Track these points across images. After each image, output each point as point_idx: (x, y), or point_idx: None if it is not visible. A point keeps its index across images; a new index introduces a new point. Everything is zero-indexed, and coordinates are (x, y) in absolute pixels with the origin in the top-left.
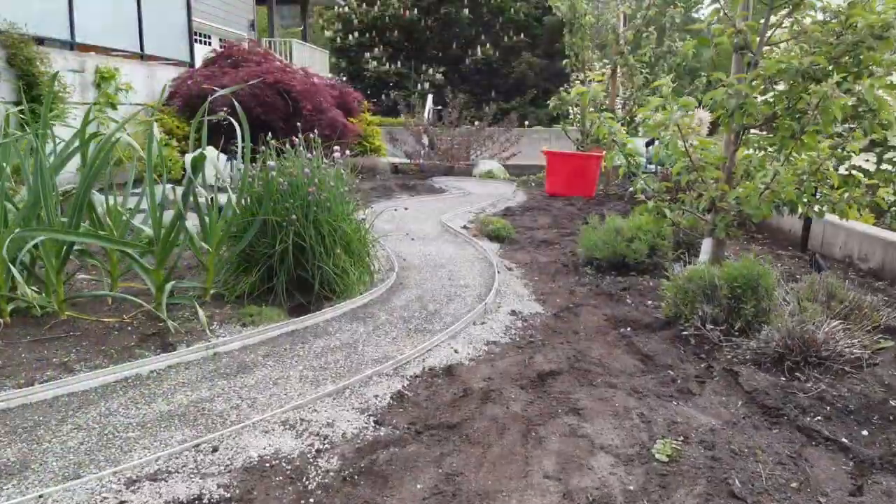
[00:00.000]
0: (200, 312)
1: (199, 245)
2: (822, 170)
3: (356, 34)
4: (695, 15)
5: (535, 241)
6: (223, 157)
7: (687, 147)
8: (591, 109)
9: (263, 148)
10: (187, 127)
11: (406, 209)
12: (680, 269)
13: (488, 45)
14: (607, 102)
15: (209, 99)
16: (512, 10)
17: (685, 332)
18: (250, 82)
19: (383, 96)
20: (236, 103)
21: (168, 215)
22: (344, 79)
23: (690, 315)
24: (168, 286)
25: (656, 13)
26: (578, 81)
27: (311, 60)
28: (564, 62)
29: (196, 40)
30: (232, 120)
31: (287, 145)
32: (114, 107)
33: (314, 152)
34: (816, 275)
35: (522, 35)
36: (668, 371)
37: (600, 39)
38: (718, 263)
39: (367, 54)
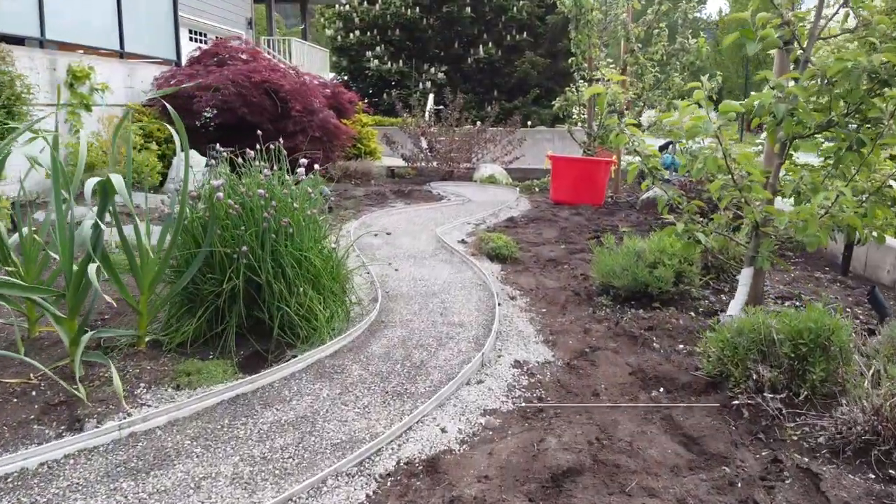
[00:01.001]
0: (115, 377)
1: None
2: (885, 188)
3: (357, 33)
4: (696, 15)
5: (540, 261)
6: (203, 162)
7: (728, 162)
8: (609, 112)
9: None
10: (168, 129)
11: (399, 219)
12: (711, 299)
13: (490, 44)
14: (620, 104)
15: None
16: (514, 8)
17: (736, 402)
18: (235, 81)
19: (385, 95)
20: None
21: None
22: (345, 78)
23: (741, 378)
24: (85, 337)
25: (668, 8)
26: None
27: (310, 59)
28: (570, 60)
29: (191, 38)
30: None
31: (240, 157)
32: (88, 108)
33: (276, 165)
34: (880, 314)
35: (525, 34)
36: (722, 466)
37: (608, 36)
38: (758, 301)
39: (369, 53)
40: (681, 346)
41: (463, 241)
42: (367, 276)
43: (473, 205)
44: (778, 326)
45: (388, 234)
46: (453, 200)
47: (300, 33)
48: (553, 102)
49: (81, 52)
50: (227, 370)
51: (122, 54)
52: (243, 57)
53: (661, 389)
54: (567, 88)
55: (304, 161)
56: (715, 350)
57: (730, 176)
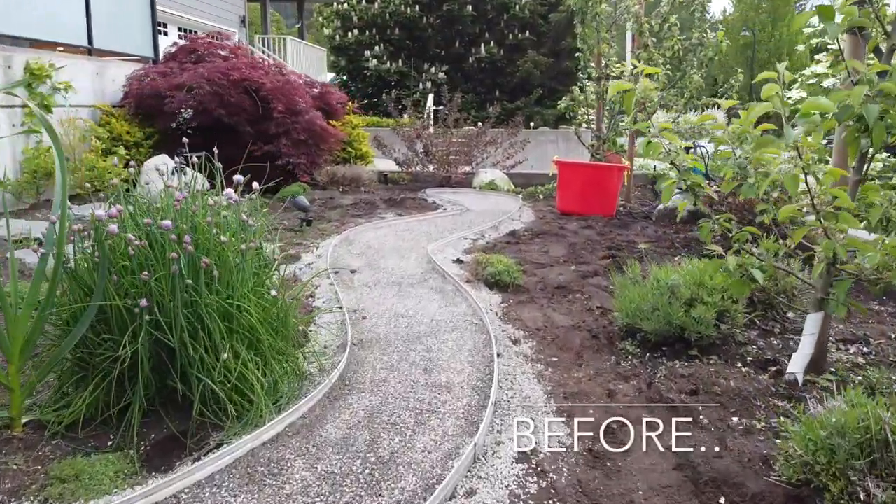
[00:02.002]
0: None
1: None
2: None
3: (355, 32)
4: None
5: (548, 288)
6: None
7: (809, 182)
8: (637, 112)
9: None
10: (140, 132)
11: (387, 234)
12: (760, 343)
13: (492, 44)
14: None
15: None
16: (517, 6)
17: None
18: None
19: (384, 96)
20: None
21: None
22: (344, 78)
23: (842, 495)
24: None
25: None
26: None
27: (307, 59)
28: (577, 56)
29: (181, 37)
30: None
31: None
32: (48, 109)
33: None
34: None
35: (528, 32)
36: None
37: (616, 31)
38: (822, 351)
39: (367, 52)
40: (735, 421)
41: (458, 262)
42: (338, 313)
43: (472, 215)
44: (893, 424)
45: (388, 233)
46: (450, 210)
47: (297, 32)
48: (558, 103)
49: (43, 48)
50: (122, 469)
51: (90, 51)
52: (222, 53)
53: (723, 501)
54: (574, 87)
55: (238, 178)
56: (800, 450)
57: (809, 201)
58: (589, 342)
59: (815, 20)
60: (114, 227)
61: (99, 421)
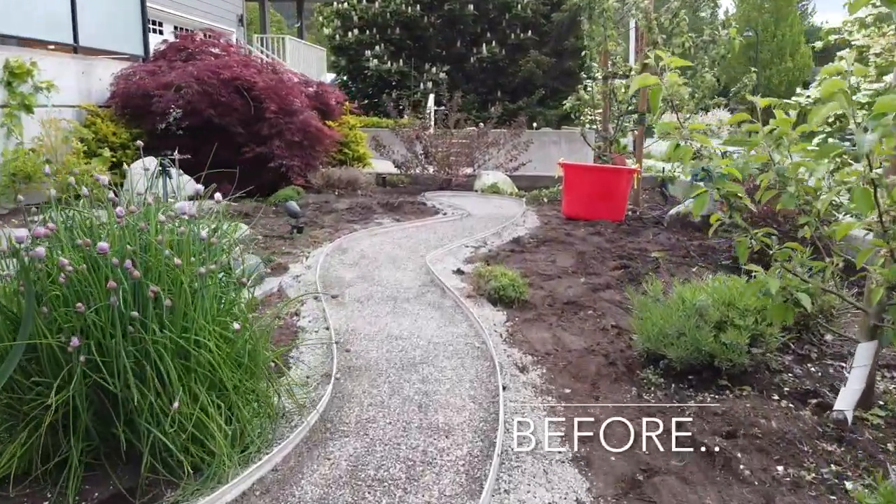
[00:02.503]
0: None
1: None
2: None
3: (356, 31)
4: (702, 15)
5: (557, 303)
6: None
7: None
8: (667, 112)
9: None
10: (126, 133)
11: (383, 242)
12: (797, 370)
13: (494, 43)
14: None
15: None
16: (518, 6)
17: None
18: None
19: (384, 96)
20: None
21: None
22: (344, 78)
23: None
24: None
25: None
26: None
27: (307, 59)
28: (584, 54)
29: (175, 35)
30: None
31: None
32: (29, 109)
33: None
34: None
35: (530, 32)
36: None
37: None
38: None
39: (368, 52)
40: (781, 471)
41: (459, 272)
42: (324, 333)
43: (473, 220)
44: None
45: (384, 240)
46: (450, 215)
47: (297, 32)
48: (563, 103)
49: (33, 47)
50: None
51: (76, 48)
52: (214, 51)
53: None
54: (579, 87)
55: (197, 187)
56: None
57: (877, 218)
58: (606, 369)
59: (824, 17)
60: (41, 249)
61: (34, 477)
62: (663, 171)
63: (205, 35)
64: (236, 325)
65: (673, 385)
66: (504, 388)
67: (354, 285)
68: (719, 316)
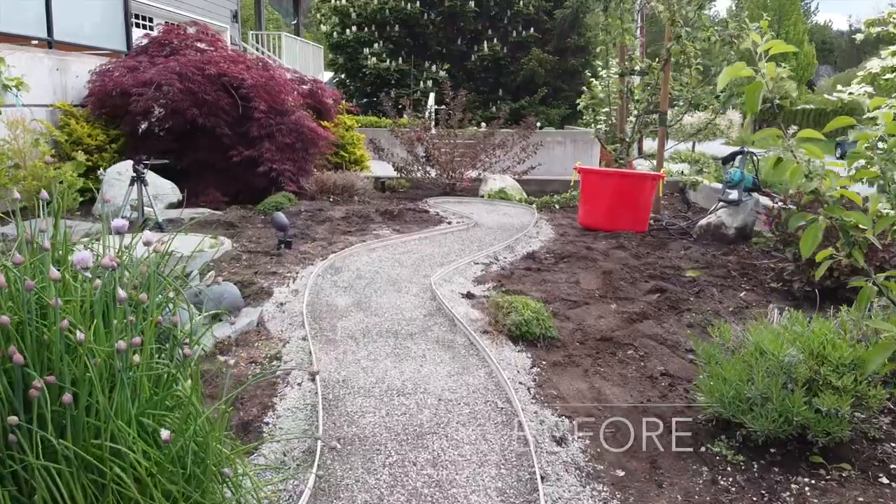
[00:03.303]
0: None
1: None
2: None
3: (354, 28)
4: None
5: (588, 339)
6: (155, 184)
7: None
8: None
9: None
10: (103, 134)
11: (383, 258)
12: None
13: (495, 41)
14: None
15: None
16: (521, 2)
17: None
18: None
19: (383, 95)
20: None
21: None
22: (342, 76)
23: None
24: None
25: None
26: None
27: (304, 57)
28: (599, 49)
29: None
30: None
31: None
32: None
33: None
34: None
35: (532, 29)
36: None
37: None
38: None
39: (366, 50)
40: None
41: (469, 296)
42: (307, 388)
43: (481, 231)
44: None
45: (382, 255)
46: (455, 225)
47: (293, 30)
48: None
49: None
50: None
51: (50, 43)
52: (201, 46)
53: None
54: (592, 82)
55: (120, 223)
56: None
57: None
58: (664, 440)
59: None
60: None
61: None
62: (682, 174)
63: (191, 29)
64: (165, 434)
65: (754, 465)
66: (543, 478)
67: (348, 316)
68: (809, 373)
